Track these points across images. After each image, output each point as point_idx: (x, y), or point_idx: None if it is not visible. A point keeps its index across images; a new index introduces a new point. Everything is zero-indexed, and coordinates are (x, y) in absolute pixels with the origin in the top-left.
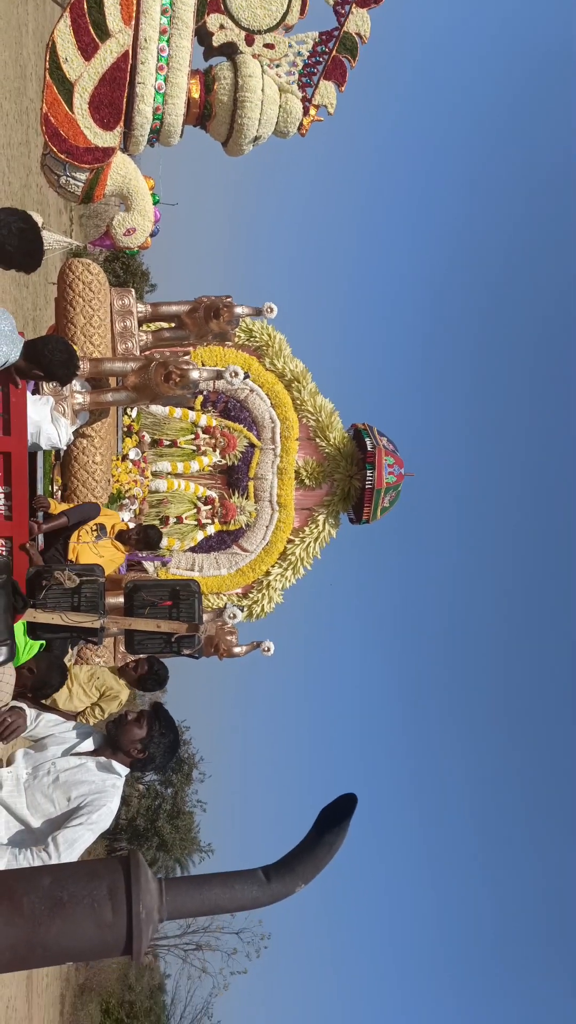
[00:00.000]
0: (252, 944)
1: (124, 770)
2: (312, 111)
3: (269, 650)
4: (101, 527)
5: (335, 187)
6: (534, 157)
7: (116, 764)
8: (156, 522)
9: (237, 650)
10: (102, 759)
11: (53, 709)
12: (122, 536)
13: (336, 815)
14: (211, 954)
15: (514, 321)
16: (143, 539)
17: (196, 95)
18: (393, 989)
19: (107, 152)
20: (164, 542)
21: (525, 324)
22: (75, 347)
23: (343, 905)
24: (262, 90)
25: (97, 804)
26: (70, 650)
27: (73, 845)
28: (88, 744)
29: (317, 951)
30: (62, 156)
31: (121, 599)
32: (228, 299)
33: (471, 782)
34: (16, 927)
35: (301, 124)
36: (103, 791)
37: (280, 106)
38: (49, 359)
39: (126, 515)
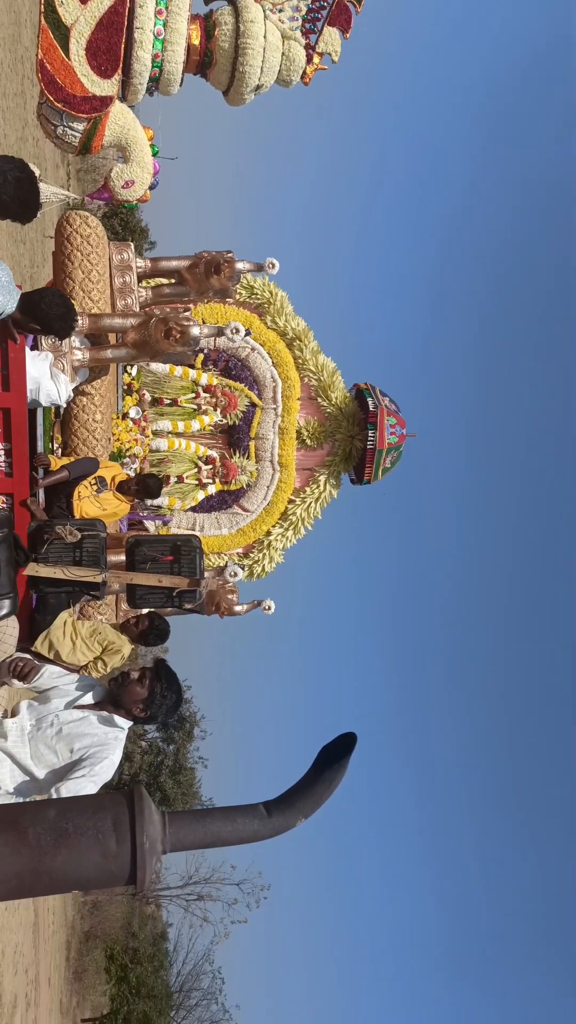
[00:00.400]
0: (252, 895)
1: (126, 723)
2: (316, 59)
3: (270, 609)
4: (101, 480)
5: (339, 138)
6: (547, 101)
7: (118, 719)
8: None
9: (238, 609)
10: (104, 713)
11: (56, 662)
12: (122, 487)
13: (336, 753)
14: (212, 904)
15: (523, 282)
16: (143, 488)
17: (196, 41)
18: (387, 943)
19: (105, 101)
20: (165, 501)
21: (534, 285)
22: (73, 302)
23: (340, 858)
24: (264, 36)
25: (99, 756)
26: (72, 606)
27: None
28: (90, 697)
29: (314, 903)
30: (59, 105)
31: (123, 557)
32: (229, 255)
33: (469, 740)
34: (22, 856)
35: (304, 72)
36: (105, 744)
37: (283, 53)
38: (46, 312)
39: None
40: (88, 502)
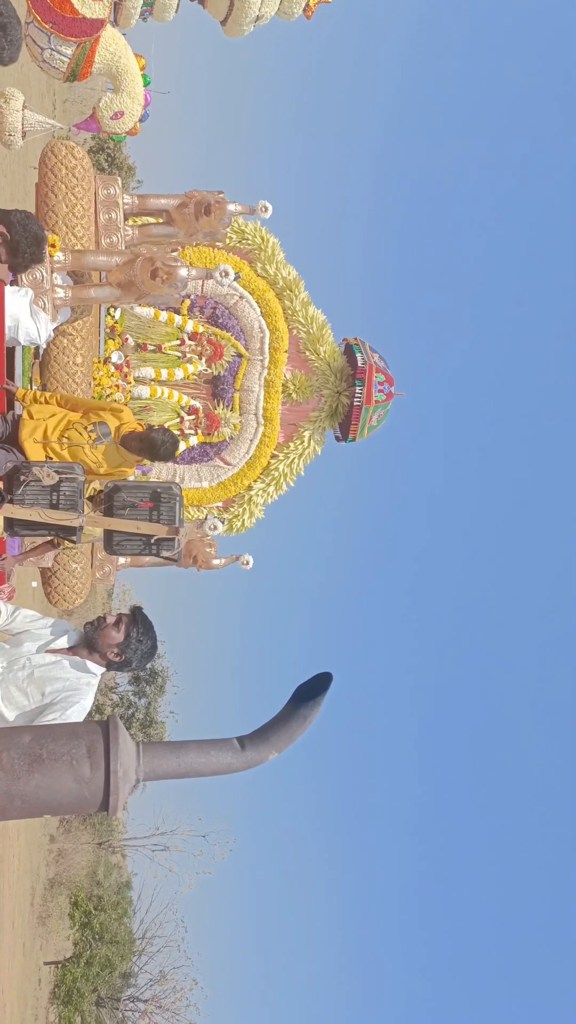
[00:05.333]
0: (218, 847)
1: (99, 669)
2: None
3: (248, 564)
4: (103, 426)
5: (341, 77)
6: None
7: (91, 664)
8: None
9: (216, 562)
10: (77, 658)
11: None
12: (124, 442)
13: (311, 691)
14: (177, 855)
15: (527, 240)
16: (146, 447)
17: None
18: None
19: (95, 24)
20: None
21: (537, 244)
22: (56, 237)
23: (306, 812)
24: None
25: (71, 701)
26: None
27: None
28: (63, 642)
29: (277, 853)
30: (46, 26)
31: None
32: (220, 195)
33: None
34: None
35: (307, 5)
36: (77, 688)
37: None
38: (22, 226)
39: None
40: (77, 451)
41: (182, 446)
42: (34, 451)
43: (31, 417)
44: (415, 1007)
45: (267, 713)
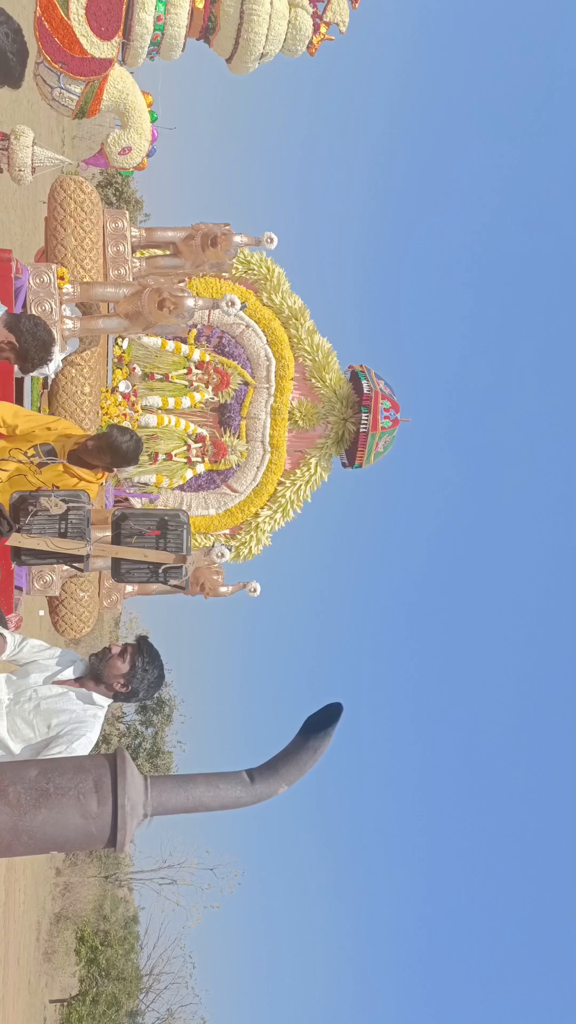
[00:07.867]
0: (226, 880)
1: (106, 700)
2: (323, 29)
3: (255, 591)
4: (48, 449)
5: (344, 112)
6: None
7: (97, 696)
8: (145, 458)
9: (223, 590)
10: (83, 690)
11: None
12: (75, 457)
13: (321, 722)
14: (185, 888)
15: (528, 265)
16: (105, 447)
17: (200, 5)
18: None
19: (104, 64)
20: (152, 479)
21: (540, 270)
22: (65, 269)
23: (315, 844)
24: (271, 3)
25: (77, 733)
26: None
27: None
28: (70, 673)
29: (286, 887)
30: (56, 66)
31: (107, 532)
32: (226, 227)
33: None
34: (1, 814)
35: (310, 42)
36: (83, 721)
37: (289, 22)
38: (31, 334)
39: None
40: (18, 482)
41: (189, 473)
42: None
43: None
44: None
45: (275, 740)
